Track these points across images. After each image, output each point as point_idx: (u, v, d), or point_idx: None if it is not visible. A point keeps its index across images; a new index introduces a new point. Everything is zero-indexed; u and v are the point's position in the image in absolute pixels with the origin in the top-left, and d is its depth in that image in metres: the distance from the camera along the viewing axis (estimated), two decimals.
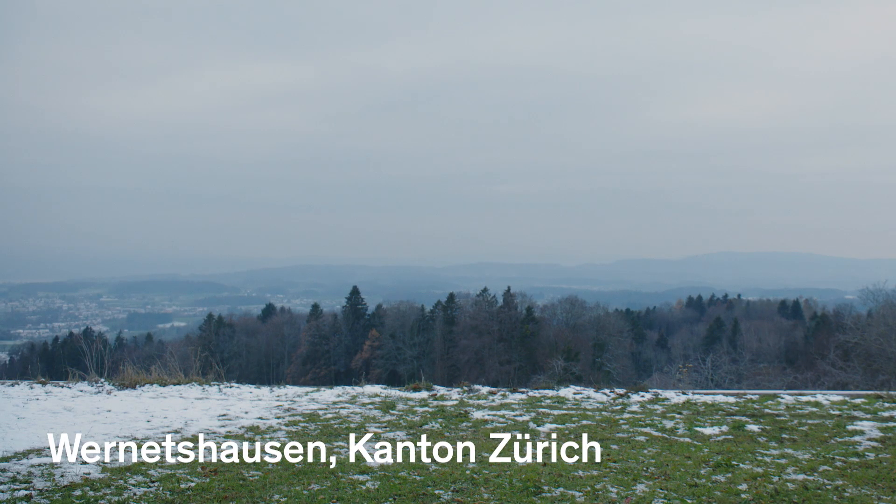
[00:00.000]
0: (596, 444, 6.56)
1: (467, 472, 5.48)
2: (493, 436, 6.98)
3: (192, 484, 5.06)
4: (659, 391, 9.85)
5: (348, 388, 10.24)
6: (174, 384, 10.37)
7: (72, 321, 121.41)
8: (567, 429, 7.32)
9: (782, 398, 9.22)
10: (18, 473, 5.25)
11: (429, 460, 5.87)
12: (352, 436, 6.93)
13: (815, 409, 8.42)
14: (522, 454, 6.16)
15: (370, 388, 10.14)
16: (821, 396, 9.37)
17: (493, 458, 5.95)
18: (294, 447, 6.34)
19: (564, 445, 6.51)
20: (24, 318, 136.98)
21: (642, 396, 9.47)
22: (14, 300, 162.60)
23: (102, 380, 10.63)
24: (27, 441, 6.44)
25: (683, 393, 9.78)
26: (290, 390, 10.21)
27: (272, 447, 6.37)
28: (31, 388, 9.94)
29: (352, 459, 5.87)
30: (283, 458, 5.95)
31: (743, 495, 4.97)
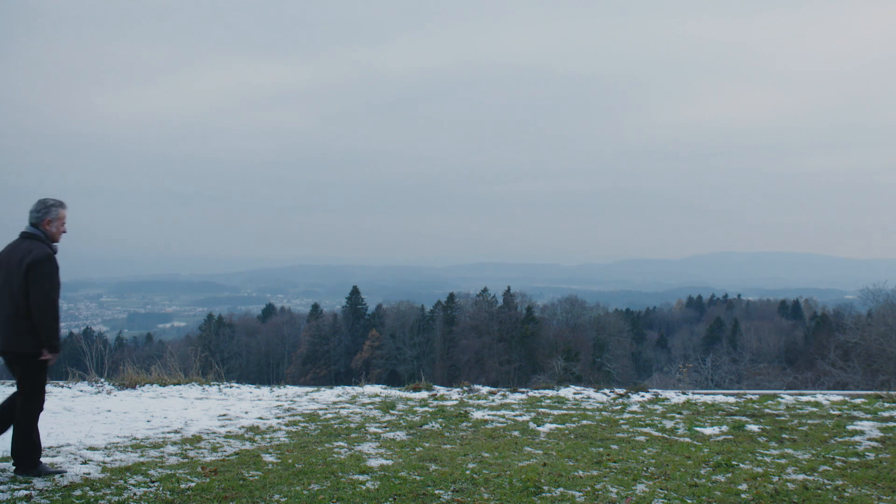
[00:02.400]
0: (596, 444, 6.56)
1: (467, 472, 5.48)
2: (493, 436, 6.98)
3: (192, 484, 5.06)
4: (659, 391, 9.84)
5: (348, 388, 10.24)
6: (174, 384, 10.37)
7: (72, 321, 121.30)
8: (567, 429, 7.32)
9: (782, 398, 9.21)
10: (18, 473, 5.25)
11: (429, 460, 5.87)
12: (352, 436, 6.93)
13: (815, 409, 8.41)
14: (522, 454, 6.16)
15: (370, 388, 10.14)
16: (821, 396, 9.37)
17: (493, 458, 5.95)
18: (294, 447, 6.34)
19: (564, 445, 6.52)
20: None
21: (642, 396, 9.47)
22: None
23: (102, 380, 10.63)
24: None
25: (683, 393, 9.78)
26: (290, 390, 10.20)
27: (272, 447, 6.37)
28: None
29: (352, 459, 5.87)
30: (283, 457, 5.95)
31: (743, 495, 4.96)
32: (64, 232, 5.22)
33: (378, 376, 56.86)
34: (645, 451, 6.28)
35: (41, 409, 5.15)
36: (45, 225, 5.11)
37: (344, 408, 8.62)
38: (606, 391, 9.77)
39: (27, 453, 5.09)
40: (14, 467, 5.13)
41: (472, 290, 72.47)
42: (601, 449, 6.36)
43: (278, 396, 9.56)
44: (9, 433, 5.26)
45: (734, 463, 5.83)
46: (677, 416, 8.04)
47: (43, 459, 5.66)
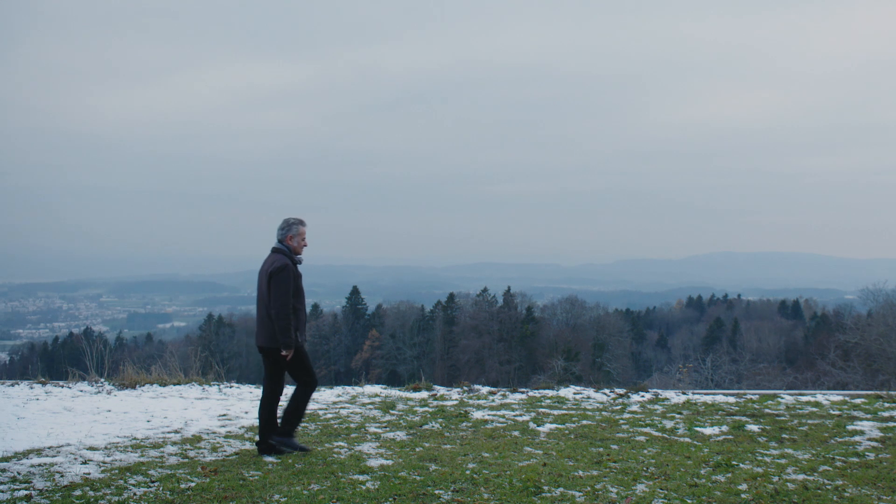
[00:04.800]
0: (596, 444, 6.55)
1: (467, 472, 5.48)
2: (493, 436, 6.98)
3: (192, 484, 5.06)
4: (659, 391, 9.84)
5: (348, 388, 10.24)
6: (174, 384, 10.37)
7: (72, 321, 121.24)
8: (567, 429, 7.32)
9: (782, 398, 9.21)
10: (18, 473, 5.25)
11: (429, 460, 5.87)
12: (352, 436, 6.93)
13: (815, 409, 8.41)
14: (522, 454, 6.16)
15: (370, 388, 10.13)
16: (821, 396, 9.37)
17: (493, 458, 5.95)
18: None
19: (564, 445, 6.51)
20: (24, 318, 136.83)
21: (642, 396, 9.47)
22: (14, 300, 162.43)
23: (102, 380, 10.62)
24: (27, 441, 6.44)
25: (683, 393, 9.78)
26: (291, 390, 10.19)
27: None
28: (31, 388, 9.94)
29: (352, 459, 5.87)
30: (283, 457, 5.95)
31: (743, 495, 4.96)
32: (305, 245, 6.10)
33: (378, 376, 56.86)
34: (645, 451, 6.28)
35: (314, 387, 6.30)
36: (287, 241, 6.04)
37: (344, 408, 8.62)
38: (606, 391, 9.77)
39: (290, 423, 6.20)
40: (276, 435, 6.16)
41: (472, 290, 72.42)
42: (601, 449, 6.36)
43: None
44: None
45: (734, 463, 5.83)
46: (677, 416, 8.04)
47: (42, 459, 5.67)
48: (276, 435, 6.13)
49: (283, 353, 5.92)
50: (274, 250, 6.04)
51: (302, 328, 6.04)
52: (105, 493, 4.79)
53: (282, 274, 5.82)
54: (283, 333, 5.85)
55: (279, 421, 6.23)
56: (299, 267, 6.08)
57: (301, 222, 6.07)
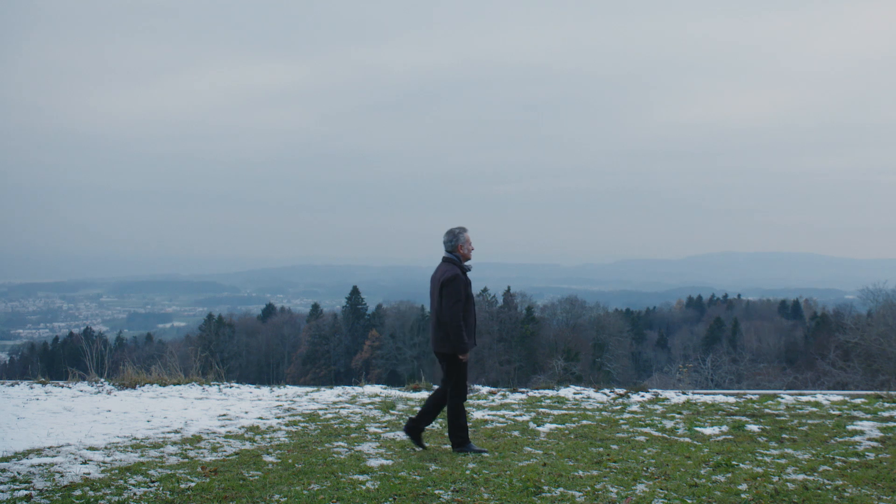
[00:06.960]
0: (596, 444, 6.55)
1: (467, 472, 5.48)
2: (493, 436, 6.98)
3: (192, 484, 5.06)
4: (659, 391, 9.84)
5: (348, 388, 10.24)
6: (174, 384, 10.37)
7: (72, 321, 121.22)
8: (567, 429, 7.32)
9: (782, 398, 9.21)
10: (18, 473, 5.25)
11: (429, 460, 5.87)
12: (352, 436, 6.93)
13: (815, 409, 8.41)
14: (522, 454, 6.16)
15: (370, 388, 10.14)
16: (821, 396, 9.37)
17: (493, 458, 5.95)
18: (294, 447, 6.34)
19: (564, 445, 6.51)
20: (24, 318, 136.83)
21: (642, 396, 9.47)
22: (14, 300, 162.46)
23: (102, 380, 10.63)
24: (27, 441, 6.44)
25: (683, 393, 9.78)
26: (290, 390, 10.20)
27: (272, 447, 6.37)
28: (31, 388, 9.94)
29: (352, 460, 5.87)
30: (283, 457, 5.95)
31: (743, 495, 4.96)
32: (473, 249, 6.43)
33: (378, 376, 56.86)
34: (645, 451, 6.28)
35: (464, 398, 6.36)
36: (458, 250, 6.37)
37: (344, 408, 8.62)
38: (606, 391, 9.77)
39: (456, 434, 6.31)
40: (451, 446, 6.38)
41: None
42: (601, 449, 6.36)
43: (278, 396, 9.56)
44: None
45: (734, 463, 5.83)
46: (677, 416, 8.04)
47: (42, 459, 5.67)
48: (453, 446, 6.33)
49: (461, 357, 6.19)
50: (445, 260, 6.37)
51: (471, 333, 6.30)
52: (105, 493, 4.79)
53: (453, 284, 6.15)
54: (456, 339, 6.13)
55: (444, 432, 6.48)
56: (468, 274, 6.41)
57: (464, 230, 6.42)
